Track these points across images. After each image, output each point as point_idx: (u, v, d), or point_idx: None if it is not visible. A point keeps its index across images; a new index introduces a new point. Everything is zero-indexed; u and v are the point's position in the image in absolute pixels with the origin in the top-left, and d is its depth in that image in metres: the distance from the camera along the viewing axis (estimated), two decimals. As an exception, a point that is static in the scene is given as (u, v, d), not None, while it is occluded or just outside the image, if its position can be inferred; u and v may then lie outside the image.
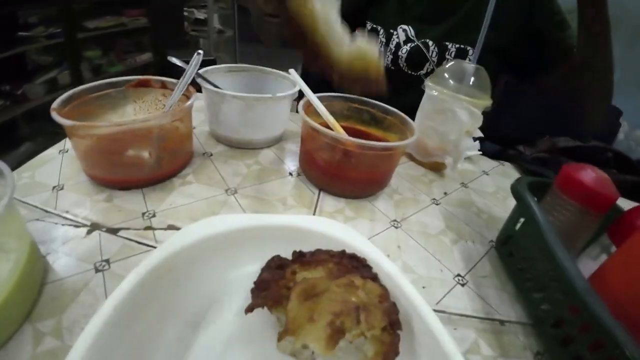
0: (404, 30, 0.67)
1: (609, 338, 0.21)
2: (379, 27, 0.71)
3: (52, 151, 0.42)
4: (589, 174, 0.31)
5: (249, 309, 0.21)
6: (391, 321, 0.20)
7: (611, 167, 1.23)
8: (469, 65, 0.45)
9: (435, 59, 0.65)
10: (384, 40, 0.70)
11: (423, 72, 0.68)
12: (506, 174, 0.58)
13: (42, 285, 0.25)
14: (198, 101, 0.41)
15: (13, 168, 0.31)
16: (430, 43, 0.65)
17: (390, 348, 0.20)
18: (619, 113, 1.35)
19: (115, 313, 0.19)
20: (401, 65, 0.69)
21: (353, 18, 0.72)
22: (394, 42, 0.69)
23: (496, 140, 1.14)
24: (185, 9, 2.72)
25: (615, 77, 1.70)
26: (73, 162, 0.39)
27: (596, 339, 0.23)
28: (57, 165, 0.39)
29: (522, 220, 0.33)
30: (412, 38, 0.67)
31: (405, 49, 0.68)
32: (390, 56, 0.70)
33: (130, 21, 2.25)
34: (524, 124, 1.20)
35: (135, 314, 0.20)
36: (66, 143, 0.43)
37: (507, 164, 0.63)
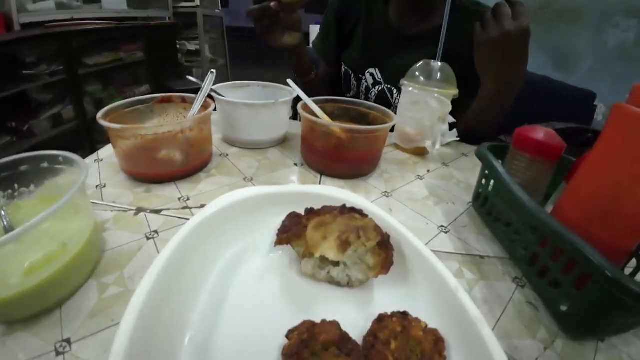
0: (371, 74, 0.75)
1: (579, 256, 0.26)
2: (350, 71, 0.79)
3: (87, 161, 0.49)
4: (537, 131, 0.39)
5: (278, 243, 0.28)
6: (383, 238, 0.27)
7: (592, 146, 1.32)
8: (436, 63, 0.53)
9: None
10: (355, 83, 0.79)
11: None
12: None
13: (102, 252, 0.32)
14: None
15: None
16: (394, 90, 0.74)
17: (386, 259, 0.27)
18: (593, 96, 1.44)
19: (170, 258, 0.25)
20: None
21: (337, 62, 0.82)
22: (364, 86, 0.77)
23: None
24: (177, 42, 2.85)
25: (587, 63, 1.77)
26: (110, 167, 0.46)
27: (567, 262, 0.28)
28: (95, 171, 0.46)
29: (487, 174, 0.40)
30: (379, 80, 0.75)
31: (374, 91, 0.76)
32: (363, 96, 0.78)
33: (127, 56, 2.37)
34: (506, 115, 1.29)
35: (186, 260, 0.27)
36: (99, 154, 0.51)
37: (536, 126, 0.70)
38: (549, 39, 1.87)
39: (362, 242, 0.26)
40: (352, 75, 0.79)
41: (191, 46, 2.99)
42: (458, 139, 0.66)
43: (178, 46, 2.92)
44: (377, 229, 0.28)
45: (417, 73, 0.54)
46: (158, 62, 2.58)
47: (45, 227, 0.25)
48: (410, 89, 0.53)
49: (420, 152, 0.58)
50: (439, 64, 0.54)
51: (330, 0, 0.81)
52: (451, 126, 0.58)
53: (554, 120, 1.33)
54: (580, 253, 0.26)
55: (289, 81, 0.52)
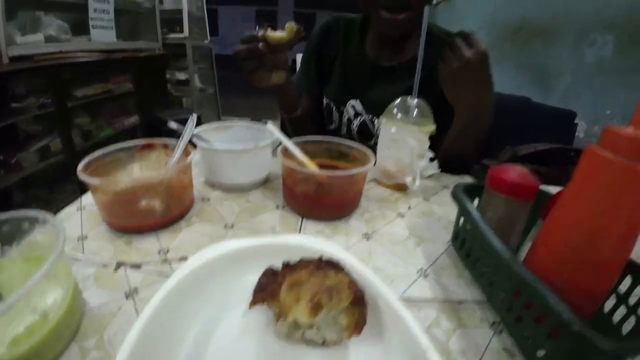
0: (352, 106, 0.78)
1: (549, 310, 0.27)
2: (332, 103, 0.81)
3: (70, 209, 0.49)
4: (511, 171, 0.40)
5: (252, 304, 0.28)
6: (356, 297, 0.27)
7: (575, 164, 1.35)
8: (412, 100, 0.55)
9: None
10: (337, 115, 0.81)
11: (372, 143, 0.77)
12: (465, 186, 0.67)
13: (82, 314, 0.32)
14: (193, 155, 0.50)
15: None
16: (375, 120, 0.76)
17: (359, 318, 0.27)
18: (573, 115, 1.47)
19: (149, 321, 0.25)
20: (354, 136, 0.79)
21: (319, 95, 0.84)
22: (346, 117, 0.79)
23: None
24: (167, 71, 2.89)
25: (566, 80, 1.81)
26: (91, 217, 0.46)
27: (539, 313, 0.29)
28: (77, 220, 0.46)
29: (462, 218, 0.41)
30: (360, 112, 0.77)
31: (355, 122, 0.78)
32: (345, 127, 0.80)
33: (116, 87, 2.39)
34: (489, 138, 1.32)
35: (165, 321, 0.27)
36: (81, 202, 0.51)
37: (466, 177, 0.71)
38: (528, 59, 1.93)
39: (334, 303, 0.26)
40: (334, 108, 0.81)
41: (181, 75, 3.03)
42: (439, 170, 0.67)
43: (168, 76, 2.96)
44: (351, 285, 0.28)
45: (395, 110, 0.56)
46: (147, 93, 2.61)
47: (24, 300, 0.25)
48: (389, 126, 0.55)
49: (402, 188, 0.59)
50: (415, 100, 0.55)
51: (310, 35, 0.84)
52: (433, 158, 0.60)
53: (536, 142, 1.37)
54: (550, 308, 0.26)
55: (269, 125, 0.53)
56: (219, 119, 3.54)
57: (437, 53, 0.65)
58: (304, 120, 0.79)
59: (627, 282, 0.33)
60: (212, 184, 0.55)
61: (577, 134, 1.49)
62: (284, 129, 0.69)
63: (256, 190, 0.55)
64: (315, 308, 0.25)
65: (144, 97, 2.59)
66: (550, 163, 1.24)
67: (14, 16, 1.93)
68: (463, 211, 0.39)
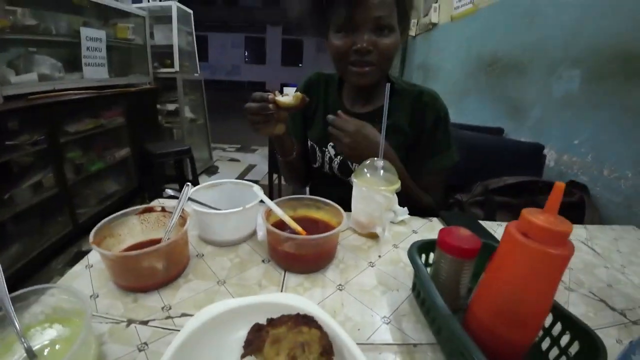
0: (332, 147, 0.89)
1: (461, 346, 0.35)
2: (315, 145, 0.92)
3: (79, 267, 0.56)
4: (455, 234, 0.48)
5: (243, 356, 0.36)
6: (324, 349, 0.35)
7: (545, 194, 1.45)
8: (379, 162, 0.64)
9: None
10: (320, 154, 0.91)
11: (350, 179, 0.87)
12: (432, 228, 0.75)
13: (103, 366, 0.38)
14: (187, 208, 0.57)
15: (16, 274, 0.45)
16: None
17: (326, 367, 0.35)
18: (540, 148, 1.57)
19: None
20: (336, 173, 0.90)
21: (304, 138, 0.96)
22: (327, 156, 0.90)
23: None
24: (158, 104, 2.98)
25: (536, 112, 1.90)
26: (100, 274, 0.53)
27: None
28: (87, 279, 0.52)
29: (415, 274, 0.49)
30: (340, 152, 0.88)
31: (336, 161, 0.89)
32: (327, 165, 0.91)
33: (108, 122, 2.45)
34: (461, 174, 1.41)
35: None
36: (88, 260, 0.57)
37: (434, 219, 0.80)
38: (502, 91, 2.04)
39: (306, 355, 0.34)
40: (317, 149, 0.92)
41: (171, 106, 3.12)
42: (408, 215, 0.76)
43: (158, 106, 3.04)
44: (321, 340, 0.36)
45: (365, 170, 0.65)
46: (138, 125, 2.68)
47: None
48: (360, 185, 0.64)
49: (374, 236, 0.67)
50: (382, 162, 0.64)
51: (297, 88, 0.96)
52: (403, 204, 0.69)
53: (506, 175, 1.48)
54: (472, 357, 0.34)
55: (255, 189, 0.61)
56: (209, 147, 3.62)
57: (402, 102, 0.80)
58: (297, 161, 0.90)
59: (558, 327, 0.42)
60: (205, 240, 0.62)
61: (548, 162, 1.59)
62: (272, 160, 0.76)
63: (244, 244, 0.63)
64: (291, 361, 0.33)
65: (135, 130, 2.66)
66: (520, 195, 1.34)
67: (8, 56, 2.00)
68: (414, 269, 0.48)
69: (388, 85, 0.65)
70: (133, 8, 2.78)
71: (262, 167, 4.06)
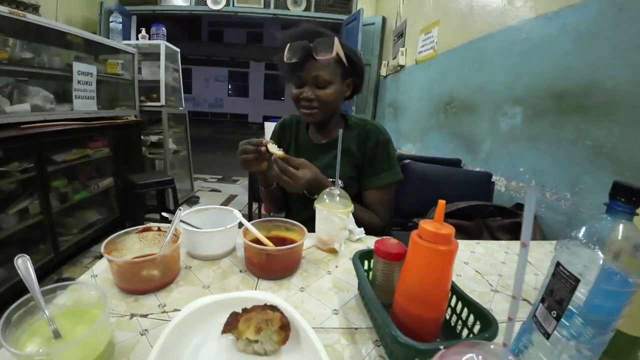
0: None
1: (385, 327, 0.50)
2: None
3: (85, 277, 0.67)
4: (385, 243, 0.64)
5: (223, 332, 0.49)
6: (283, 323, 0.48)
7: (496, 215, 1.63)
8: (336, 190, 0.80)
9: None
10: None
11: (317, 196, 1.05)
12: (384, 246, 0.90)
13: (114, 345, 0.50)
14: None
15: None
16: None
17: (284, 336, 0.48)
18: (489, 176, 1.76)
19: (161, 347, 0.45)
20: (305, 193, 1.06)
21: None
22: None
23: (400, 215, 1.52)
24: (142, 136, 3.09)
25: (487, 145, 2.10)
26: (104, 282, 0.65)
27: (391, 338, 0.52)
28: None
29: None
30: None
31: None
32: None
33: (94, 152, 2.54)
34: (420, 200, 1.58)
35: (169, 348, 0.47)
36: (93, 271, 0.69)
37: (390, 238, 0.95)
38: (458, 128, 2.26)
39: (269, 327, 0.47)
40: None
41: (155, 138, 3.24)
42: (364, 234, 0.91)
43: (142, 137, 3.16)
44: (281, 318, 0.50)
45: (325, 196, 0.81)
46: (122, 156, 2.78)
47: (89, 336, 0.44)
48: (321, 209, 0.79)
49: (333, 251, 0.82)
50: (338, 191, 0.80)
51: (274, 128, 1.21)
52: (360, 224, 0.85)
53: (457, 201, 1.66)
54: (389, 330, 0.48)
55: (235, 212, 0.75)
56: (191, 178, 3.73)
57: (352, 132, 1.03)
58: (277, 190, 1.09)
59: (465, 312, 0.56)
60: (192, 255, 0.76)
61: (499, 188, 1.78)
62: (252, 190, 0.96)
63: (226, 258, 0.76)
64: (258, 330, 0.46)
65: (120, 161, 2.75)
66: (472, 218, 1.52)
67: (4, 86, 2.10)
68: (356, 271, 0.63)
69: (340, 130, 0.83)
70: (123, 46, 2.96)
71: (243, 197, 4.17)
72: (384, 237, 0.66)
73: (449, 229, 0.50)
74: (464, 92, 2.22)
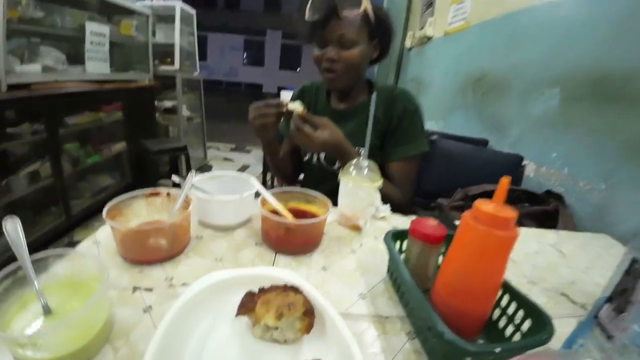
0: None
1: (432, 324, 0.42)
2: None
3: (87, 243, 0.61)
4: (425, 223, 0.56)
5: (237, 314, 0.42)
6: (307, 309, 0.41)
7: (523, 201, 1.54)
8: (364, 162, 0.71)
9: None
10: None
11: (336, 167, 0.99)
12: (411, 226, 0.83)
13: (113, 324, 0.44)
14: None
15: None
16: None
17: (308, 324, 0.41)
18: (520, 159, 1.66)
19: (166, 328, 0.38)
20: (322, 162, 1.01)
21: None
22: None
23: (423, 195, 1.43)
24: (156, 101, 3.02)
25: (517, 129, 1.99)
26: (108, 250, 0.59)
27: (434, 334, 0.44)
28: (95, 253, 0.58)
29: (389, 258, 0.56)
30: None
31: (322, 152, 1.00)
32: (316, 156, 1.03)
33: (106, 116, 2.49)
34: (444, 180, 1.49)
35: (176, 328, 0.40)
36: (96, 237, 0.63)
37: (413, 217, 0.87)
38: (486, 108, 2.13)
39: (291, 312, 0.40)
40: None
41: (168, 104, 3.17)
42: (391, 212, 0.83)
43: (156, 103, 3.09)
44: (304, 302, 0.43)
45: (351, 169, 0.72)
46: (135, 121, 2.72)
47: (82, 314, 0.38)
48: (346, 182, 0.71)
49: (357, 228, 0.74)
50: (366, 162, 0.72)
51: (292, 94, 1.12)
52: (386, 201, 0.76)
53: (487, 183, 1.56)
54: (432, 323, 0.41)
55: (252, 180, 0.68)
56: (204, 146, 3.68)
57: (379, 97, 0.89)
58: (285, 160, 1.03)
59: (513, 307, 0.48)
60: (205, 225, 0.69)
61: (527, 173, 1.68)
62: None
63: (240, 229, 0.69)
64: (279, 316, 0.39)
65: (132, 125, 2.70)
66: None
67: (14, 46, 2.04)
68: (389, 252, 0.55)
69: (374, 94, 0.75)
70: (138, 6, 2.84)
71: (256, 168, 4.12)
72: (421, 217, 0.58)
73: (510, 212, 0.42)
74: (495, 69, 2.06)
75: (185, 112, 3.24)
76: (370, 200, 0.70)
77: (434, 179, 1.50)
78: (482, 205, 0.43)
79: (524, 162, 1.70)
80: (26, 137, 1.89)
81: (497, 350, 0.39)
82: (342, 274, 0.59)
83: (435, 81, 2.94)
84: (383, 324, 0.49)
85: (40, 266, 0.44)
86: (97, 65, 2.46)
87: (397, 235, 0.59)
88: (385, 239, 0.56)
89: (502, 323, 0.49)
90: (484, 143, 2.02)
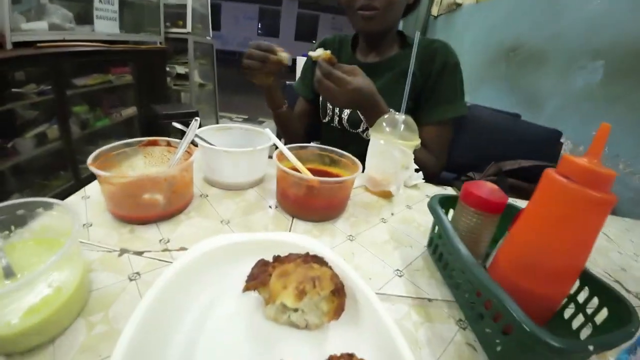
0: None
1: (491, 296, 0.32)
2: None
3: (75, 198, 0.52)
4: (481, 187, 0.44)
5: (245, 289, 0.32)
6: (336, 287, 0.31)
7: None
8: (400, 116, 0.60)
9: None
10: (330, 107, 0.91)
11: (360, 130, 0.87)
12: (446, 197, 0.72)
13: (89, 292, 0.35)
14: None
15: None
16: None
17: (338, 306, 0.31)
18: (559, 134, 1.53)
19: (153, 302, 0.29)
20: (345, 124, 0.89)
21: (315, 97, 0.97)
22: (337, 108, 0.89)
23: (452, 168, 1.31)
24: (167, 65, 2.91)
25: (554, 103, 1.87)
26: (96, 206, 0.50)
27: (495, 312, 0.34)
28: (82, 208, 0.49)
29: (436, 226, 0.46)
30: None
31: (346, 112, 0.88)
32: (337, 118, 0.90)
33: (116, 78, 2.40)
34: (476, 153, 1.37)
35: (166, 302, 0.31)
36: (86, 191, 0.54)
37: (449, 188, 0.76)
38: (519, 81, 1.98)
39: (317, 291, 0.30)
40: (328, 103, 0.92)
41: (181, 69, 3.05)
42: (423, 180, 0.72)
43: (167, 69, 2.97)
44: (332, 277, 0.33)
45: (384, 124, 0.61)
46: (146, 85, 2.63)
47: (44, 276, 0.28)
48: (377, 139, 0.59)
49: (387, 195, 0.63)
50: (403, 116, 0.60)
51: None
52: (418, 168, 0.65)
53: (521, 158, 1.42)
54: (505, 308, 0.31)
55: (267, 130, 0.57)
56: (216, 115, 3.56)
57: (418, 54, 0.74)
58: (289, 118, 0.91)
59: (585, 293, 0.38)
60: (210, 182, 0.59)
61: (563, 151, 1.56)
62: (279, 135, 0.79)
63: (251, 190, 0.59)
64: (300, 294, 0.29)
65: (143, 90, 2.61)
66: (533, 180, 1.29)
67: (20, 2, 1.94)
68: (436, 220, 0.44)
69: (417, 33, 0.61)
70: (148, -37, 2.68)
71: (269, 140, 3.99)
72: (476, 180, 0.46)
73: (610, 170, 0.30)
74: (532, 39, 1.91)
75: (197, 78, 3.11)
76: (405, 162, 0.59)
77: (463, 150, 1.37)
78: (576, 159, 0.31)
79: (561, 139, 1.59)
80: (32, 97, 1.81)
81: (591, 348, 0.29)
82: (372, 246, 0.49)
83: (464, 52, 2.73)
84: (426, 309, 0.39)
85: (5, 221, 0.35)
86: (106, 24, 2.35)
87: (443, 201, 0.47)
88: (432, 204, 0.45)
89: (566, 312, 0.39)
90: (516, 117, 1.88)
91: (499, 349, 0.34)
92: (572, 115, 1.55)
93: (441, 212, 0.44)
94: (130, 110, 2.56)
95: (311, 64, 0.98)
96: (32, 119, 1.91)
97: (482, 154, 1.33)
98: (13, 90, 1.74)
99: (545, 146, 1.53)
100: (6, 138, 1.71)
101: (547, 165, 1.31)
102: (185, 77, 3.03)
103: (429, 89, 0.82)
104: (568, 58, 1.59)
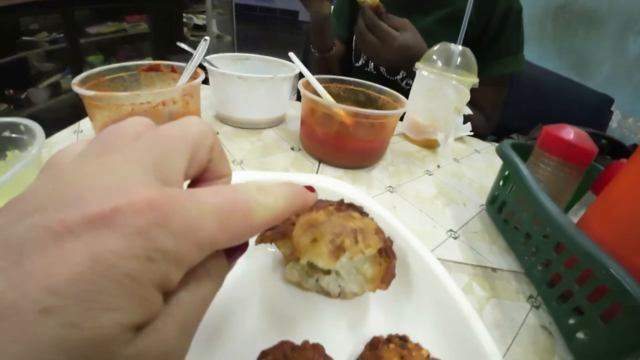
0: None
1: (596, 265, 0.23)
2: None
3: (66, 132, 0.45)
4: (568, 131, 0.34)
5: (259, 241, 0.24)
6: (385, 244, 0.22)
7: (606, 153, 1.27)
8: (456, 47, 0.48)
9: None
10: None
11: (399, 77, 0.75)
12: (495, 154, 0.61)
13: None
14: (203, 91, 0.44)
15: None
16: None
17: (387, 271, 0.22)
18: (611, 101, 1.38)
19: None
20: (381, 70, 0.76)
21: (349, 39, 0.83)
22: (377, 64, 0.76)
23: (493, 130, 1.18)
24: (184, 15, 2.77)
25: (605, 70, 1.73)
26: (88, 141, 0.42)
27: (581, 271, 0.25)
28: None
29: (507, 175, 0.36)
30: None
31: None
32: (372, 64, 0.77)
33: (130, 27, 2.30)
34: (519, 114, 1.24)
35: None
36: (80, 125, 0.46)
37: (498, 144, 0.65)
38: (567, 42, 1.82)
39: (359, 248, 0.21)
40: (368, 57, 0.78)
41: (198, 20, 2.90)
42: (472, 133, 0.61)
43: (184, 19, 2.83)
44: (378, 232, 0.23)
45: (435, 57, 0.49)
46: (162, 36, 2.51)
47: None
48: (426, 73, 0.48)
49: (431, 145, 0.53)
50: (460, 47, 0.48)
51: None
52: (465, 119, 0.53)
53: (569, 122, 1.27)
54: (616, 281, 0.21)
55: (291, 55, 0.46)
56: (234, 71, 3.43)
57: None
58: (334, 62, 0.78)
59: None
60: (222, 119, 0.50)
61: (610, 123, 1.41)
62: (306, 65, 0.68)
63: (270, 129, 0.50)
64: (337, 251, 0.20)
65: (159, 40, 2.50)
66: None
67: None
68: (511, 168, 0.34)
69: None
70: None
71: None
72: (559, 123, 0.36)
73: None
74: None
75: (215, 29, 2.96)
76: (459, 104, 0.48)
77: (508, 110, 1.23)
78: None
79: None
80: (44, 45, 1.73)
81: None
82: (417, 201, 0.39)
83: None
84: (491, 281, 0.30)
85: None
86: (119, -33, 2.21)
87: (516, 148, 0.37)
88: (503, 149, 0.35)
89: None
90: (563, 80, 1.74)
91: (583, 336, 0.25)
92: (624, 84, 1.43)
93: (517, 158, 0.33)
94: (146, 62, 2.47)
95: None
96: (45, 69, 1.86)
97: (527, 116, 1.20)
98: (24, 38, 1.67)
99: (595, 112, 1.38)
100: (20, 88, 1.67)
101: (597, 134, 1.15)
102: (202, 28, 2.89)
103: (490, 38, 0.68)
104: (624, 21, 1.46)
